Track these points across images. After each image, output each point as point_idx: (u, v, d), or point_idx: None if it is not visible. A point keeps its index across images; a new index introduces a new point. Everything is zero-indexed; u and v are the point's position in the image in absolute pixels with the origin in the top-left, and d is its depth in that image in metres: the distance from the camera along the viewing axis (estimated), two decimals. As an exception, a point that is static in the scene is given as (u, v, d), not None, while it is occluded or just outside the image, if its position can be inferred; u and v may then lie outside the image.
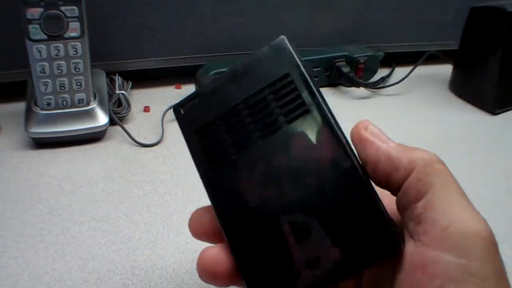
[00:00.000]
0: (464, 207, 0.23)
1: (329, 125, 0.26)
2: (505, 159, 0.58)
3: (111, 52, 0.68)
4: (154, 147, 0.57)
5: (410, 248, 0.24)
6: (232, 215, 0.27)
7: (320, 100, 0.27)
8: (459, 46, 0.74)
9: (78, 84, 0.56)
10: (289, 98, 0.27)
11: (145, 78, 0.72)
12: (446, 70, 0.79)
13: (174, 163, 0.54)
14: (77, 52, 0.54)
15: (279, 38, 0.28)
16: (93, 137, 0.57)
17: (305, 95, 0.27)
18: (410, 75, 0.75)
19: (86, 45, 0.55)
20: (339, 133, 0.26)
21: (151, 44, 0.70)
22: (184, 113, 0.30)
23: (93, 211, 0.46)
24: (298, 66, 0.27)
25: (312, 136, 0.26)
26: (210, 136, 0.29)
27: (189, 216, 0.29)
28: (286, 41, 0.28)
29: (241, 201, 0.27)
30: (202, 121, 0.29)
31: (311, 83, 0.27)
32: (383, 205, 0.24)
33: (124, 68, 0.68)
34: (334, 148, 0.26)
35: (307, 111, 0.27)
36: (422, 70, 0.77)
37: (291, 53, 0.28)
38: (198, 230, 0.29)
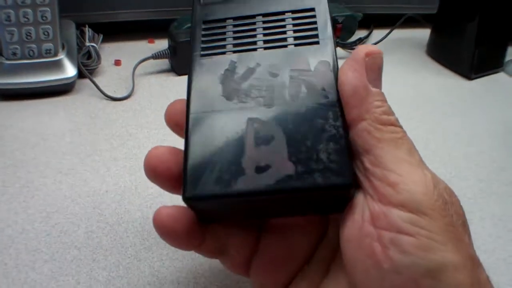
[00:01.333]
0: (412, 166, 0.23)
1: (330, 60, 0.27)
2: (477, 122, 0.58)
3: (82, 3, 0.65)
4: (124, 101, 0.56)
5: (360, 200, 0.24)
6: (203, 105, 0.27)
7: (331, 39, 0.28)
8: (437, 10, 0.73)
9: (46, 33, 0.53)
10: (306, 27, 0.29)
11: (116, 31, 0.69)
12: (424, 34, 0.78)
13: (144, 117, 0.53)
14: (45, 0, 0.52)
15: None
16: (61, 89, 0.56)
17: (320, 29, 0.29)
18: (387, 38, 0.74)
19: (54, -7, 0.52)
20: (336, 70, 0.27)
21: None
22: (202, 2, 0.32)
23: (59, 164, 0.45)
24: (325, 7, 0.30)
25: (312, 64, 0.27)
26: (216, 30, 0.30)
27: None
28: None
29: (217, 94, 0.27)
30: (215, 16, 0.31)
31: (329, 23, 0.29)
32: (350, 146, 0.25)
33: (95, 20, 0.66)
34: (326, 80, 0.27)
35: (316, 43, 0.28)
36: (400, 33, 0.76)
37: None
38: (155, 165, 0.28)
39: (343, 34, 0.73)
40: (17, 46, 0.53)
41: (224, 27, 0.30)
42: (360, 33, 0.76)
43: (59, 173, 0.44)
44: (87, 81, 0.57)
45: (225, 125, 0.26)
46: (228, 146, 0.25)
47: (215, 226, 0.28)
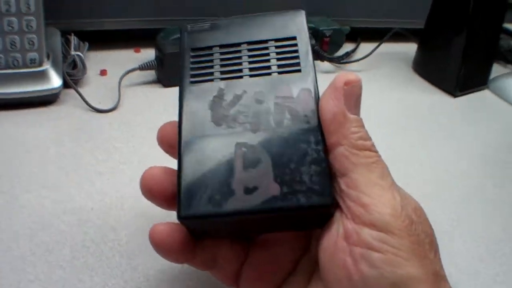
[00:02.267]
0: (384, 189, 0.26)
1: (311, 88, 0.29)
2: (461, 140, 0.58)
3: (67, 10, 0.64)
4: (110, 112, 0.55)
5: (336, 218, 0.27)
6: (194, 130, 0.29)
7: (312, 67, 0.30)
8: (424, 25, 0.73)
9: (31, 43, 0.52)
10: (288, 56, 0.31)
11: (103, 40, 0.68)
12: (411, 48, 0.79)
13: (130, 130, 0.52)
14: (30, 9, 0.51)
15: (299, 10, 0.33)
16: (45, 100, 0.54)
17: (302, 58, 0.31)
18: (374, 52, 0.75)
19: (40, 1, 0.51)
20: (317, 97, 0.29)
21: (111, 3, 0.66)
22: (190, 30, 0.33)
23: (43, 178, 0.44)
24: (306, 36, 0.32)
25: (295, 91, 0.30)
26: (204, 57, 0.32)
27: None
28: (304, 15, 0.33)
29: (207, 119, 0.29)
30: (202, 44, 0.32)
31: (310, 52, 0.31)
32: (330, 168, 0.27)
33: (80, 28, 0.65)
34: (308, 107, 0.29)
35: (298, 71, 0.30)
36: (387, 47, 0.77)
37: (304, 24, 0.32)
38: (150, 185, 0.30)
39: (330, 48, 0.73)
40: (1, 55, 0.52)
41: (211, 54, 0.32)
42: (347, 47, 0.76)
43: (43, 187, 0.43)
44: (72, 91, 0.56)
45: (215, 149, 0.28)
46: (219, 168, 0.28)
47: (206, 240, 0.30)
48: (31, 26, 0.52)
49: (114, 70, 0.62)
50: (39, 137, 0.49)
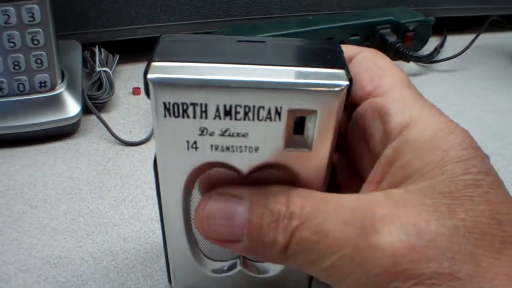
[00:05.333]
0: None
1: None
2: None
3: (88, 18, 0.53)
4: (142, 145, 0.43)
5: None
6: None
7: None
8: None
9: (38, 61, 0.41)
10: None
11: (137, 50, 0.56)
12: (511, 39, 0.64)
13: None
14: (35, 18, 0.39)
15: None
16: (61, 132, 0.43)
17: None
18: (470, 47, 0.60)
19: (47, 9, 0.40)
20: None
21: (144, 6, 0.54)
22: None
23: (48, 247, 0.33)
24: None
25: None
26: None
27: None
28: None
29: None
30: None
31: None
32: None
33: (107, 38, 0.53)
34: None
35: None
36: (482, 39, 0.62)
37: None
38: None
39: (414, 44, 0.59)
40: (3, 79, 0.41)
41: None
42: (430, 42, 0.62)
43: (47, 263, 0.31)
44: (96, 118, 0.44)
45: None
46: None
47: None
48: (37, 40, 0.40)
49: (149, 87, 0.50)
50: (49, 184, 0.38)
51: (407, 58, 0.56)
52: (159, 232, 0.28)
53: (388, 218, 0.19)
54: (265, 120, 0.20)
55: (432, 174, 0.20)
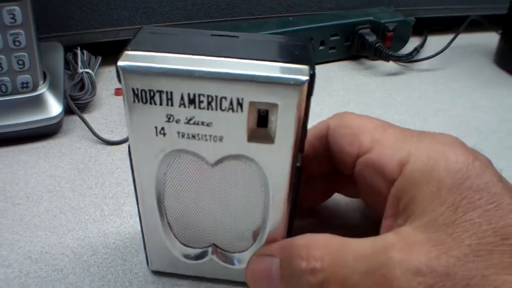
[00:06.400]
0: None
1: None
2: None
3: (70, 19, 0.53)
4: (123, 144, 0.43)
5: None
6: None
7: None
8: (508, 10, 0.60)
9: (20, 62, 0.41)
10: None
11: (119, 52, 0.57)
12: (490, 39, 0.65)
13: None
14: (16, 20, 0.40)
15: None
16: (43, 132, 0.43)
17: None
18: (448, 46, 0.61)
19: (29, 10, 0.40)
20: None
21: (126, 8, 0.55)
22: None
23: (30, 243, 0.33)
24: None
25: None
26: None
27: None
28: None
29: None
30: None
31: None
32: None
33: (89, 40, 0.54)
34: None
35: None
36: (461, 39, 0.63)
37: None
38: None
39: (394, 44, 0.60)
40: (-15, 80, 0.41)
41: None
42: (411, 42, 0.63)
43: (28, 258, 0.32)
44: (78, 118, 0.45)
45: None
46: None
47: None
48: (19, 42, 0.41)
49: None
50: (31, 182, 0.38)
51: (386, 58, 0.57)
52: (139, 227, 0.28)
53: (404, 263, 0.20)
54: (228, 111, 0.21)
55: (434, 206, 0.21)
